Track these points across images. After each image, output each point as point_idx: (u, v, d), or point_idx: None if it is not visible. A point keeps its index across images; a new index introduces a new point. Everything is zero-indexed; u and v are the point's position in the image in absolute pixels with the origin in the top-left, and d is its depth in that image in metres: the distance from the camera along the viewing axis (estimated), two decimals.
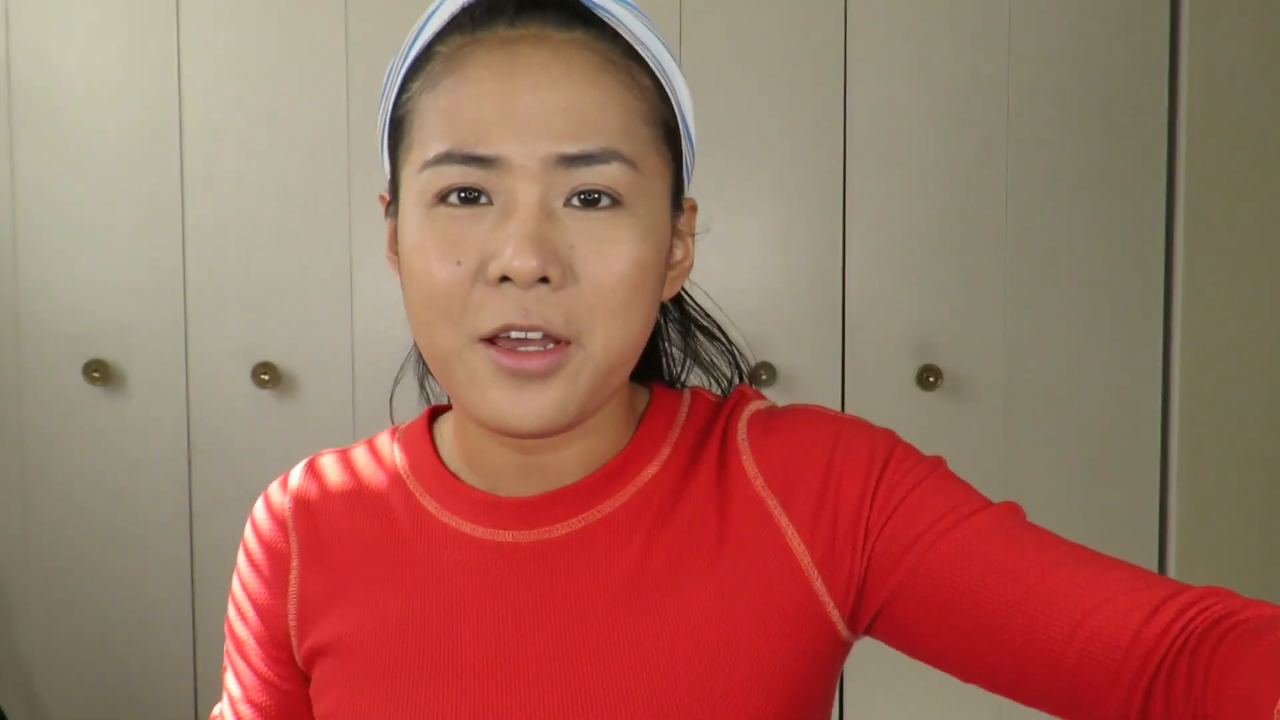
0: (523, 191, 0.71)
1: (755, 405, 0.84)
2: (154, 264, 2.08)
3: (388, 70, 0.80)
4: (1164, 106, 2.03)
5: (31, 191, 2.08)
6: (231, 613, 0.89)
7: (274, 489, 0.89)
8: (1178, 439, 2.03)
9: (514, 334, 0.71)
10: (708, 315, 0.92)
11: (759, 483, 0.80)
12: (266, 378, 2.06)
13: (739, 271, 2.02)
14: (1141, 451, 2.06)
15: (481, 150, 0.71)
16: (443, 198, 0.72)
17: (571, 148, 0.71)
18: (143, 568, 2.12)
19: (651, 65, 0.77)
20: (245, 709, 0.87)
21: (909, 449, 0.81)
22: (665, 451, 0.82)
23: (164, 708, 2.14)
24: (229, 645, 0.89)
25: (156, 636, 2.13)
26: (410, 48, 0.78)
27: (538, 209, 0.71)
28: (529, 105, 0.71)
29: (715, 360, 0.92)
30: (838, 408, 2.05)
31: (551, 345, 0.71)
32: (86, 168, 2.07)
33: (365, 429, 2.04)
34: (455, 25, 0.75)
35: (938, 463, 0.81)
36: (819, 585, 0.77)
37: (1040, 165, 2.04)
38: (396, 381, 0.96)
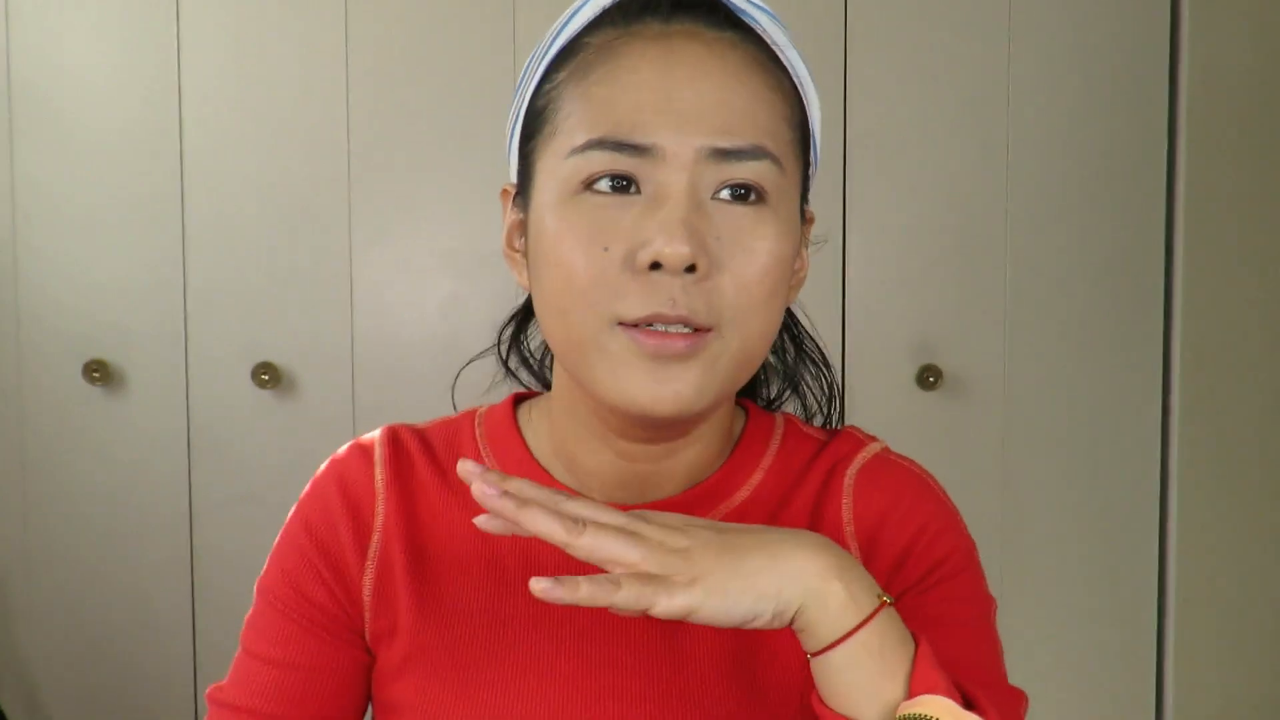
0: (674, 181, 0.71)
1: (872, 450, 0.84)
2: (154, 264, 2.08)
3: (526, 62, 0.80)
4: (1164, 106, 2.03)
5: (31, 191, 2.08)
6: (288, 565, 0.82)
7: (355, 453, 0.85)
8: (1178, 439, 2.03)
9: (658, 325, 0.71)
10: (811, 339, 0.92)
11: (849, 529, 0.80)
12: (266, 378, 2.06)
13: None
14: (1141, 451, 2.06)
15: (637, 139, 0.71)
16: (589, 184, 0.72)
17: (725, 142, 0.71)
18: (142, 568, 2.12)
19: (791, 74, 0.79)
20: (272, 673, 0.81)
21: (978, 574, 0.81)
22: (757, 477, 0.82)
23: (164, 708, 2.14)
24: (269, 607, 0.83)
25: (156, 636, 2.13)
26: (555, 39, 0.78)
27: (688, 198, 0.71)
28: (686, 97, 0.71)
29: (809, 385, 0.92)
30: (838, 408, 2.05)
31: (693, 330, 0.71)
32: (86, 168, 2.07)
33: (365, 429, 2.04)
34: (606, 19, 0.76)
35: (987, 608, 0.81)
36: None
37: (1040, 165, 2.04)
38: (498, 381, 0.93)
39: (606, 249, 0.71)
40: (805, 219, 0.82)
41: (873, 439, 0.85)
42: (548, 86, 0.76)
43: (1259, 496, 2.04)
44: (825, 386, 0.92)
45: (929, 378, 2.03)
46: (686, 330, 0.71)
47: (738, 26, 0.76)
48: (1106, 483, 2.06)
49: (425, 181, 2.06)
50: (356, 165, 2.06)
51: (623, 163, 0.71)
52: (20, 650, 2.14)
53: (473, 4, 2.04)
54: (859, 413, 2.05)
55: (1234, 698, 2.06)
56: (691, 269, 0.70)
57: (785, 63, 0.78)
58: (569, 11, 0.78)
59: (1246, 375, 2.03)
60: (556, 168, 0.73)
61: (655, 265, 0.70)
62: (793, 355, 0.92)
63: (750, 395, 0.90)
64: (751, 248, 0.72)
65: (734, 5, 0.77)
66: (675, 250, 0.69)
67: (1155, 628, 2.07)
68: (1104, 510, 2.06)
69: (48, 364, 2.09)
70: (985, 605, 0.80)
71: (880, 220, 2.05)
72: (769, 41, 0.78)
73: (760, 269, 0.72)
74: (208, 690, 0.84)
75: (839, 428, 0.87)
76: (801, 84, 0.79)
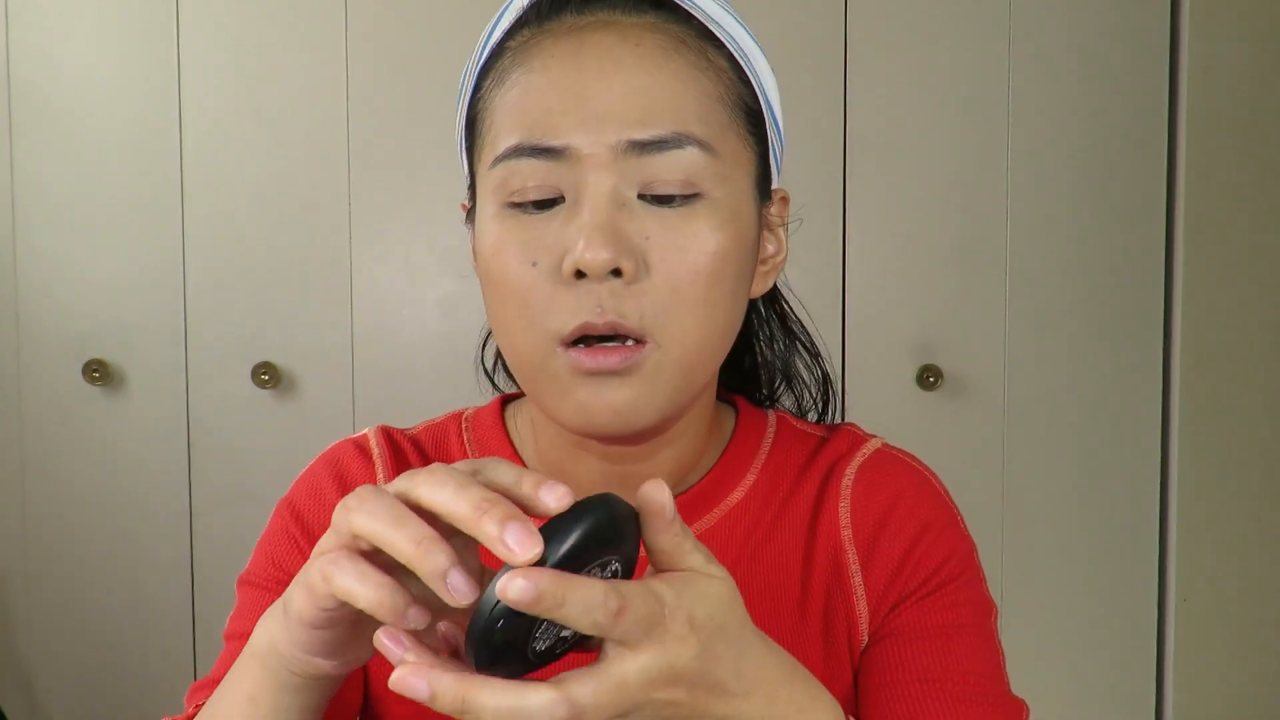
0: (593, 182, 0.68)
1: (871, 447, 0.81)
2: (154, 264, 2.08)
3: (463, 73, 0.79)
4: (1164, 106, 2.03)
5: (31, 191, 2.08)
6: (278, 554, 0.81)
7: (352, 451, 0.83)
8: (1178, 439, 2.03)
9: (592, 337, 0.68)
10: (803, 327, 0.90)
11: (847, 534, 0.78)
12: (266, 377, 2.06)
13: None
14: (1141, 451, 2.06)
15: (550, 141, 0.68)
16: (515, 200, 0.70)
17: (642, 133, 0.68)
18: (143, 567, 2.12)
19: (729, 46, 0.73)
20: None
21: (977, 577, 0.79)
22: (751, 477, 0.80)
23: (164, 707, 2.13)
24: (254, 589, 0.81)
25: (156, 636, 2.13)
26: (483, 48, 0.77)
27: (609, 199, 0.68)
28: (596, 91, 0.68)
29: (802, 377, 0.89)
30: (838, 407, 2.05)
31: (628, 343, 0.68)
32: (86, 167, 2.07)
33: (365, 429, 2.04)
34: (524, 20, 0.74)
35: (988, 614, 0.79)
36: (862, 650, 0.77)
37: (1040, 166, 2.04)
38: (492, 370, 0.91)
39: (535, 263, 0.69)
40: (773, 200, 0.78)
41: (871, 436, 0.83)
42: (477, 98, 0.75)
43: (1259, 496, 2.04)
44: (819, 379, 0.90)
45: (929, 378, 2.03)
46: (618, 343, 0.68)
47: (662, 7, 0.72)
48: (1106, 483, 2.06)
49: (425, 181, 2.06)
50: (356, 165, 2.06)
51: (542, 170, 0.68)
52: (20, 650, 2.14)
53: (473, 4, 2.03)
54: (859, 413, 2.04)
55: (1234, 698, 2.06)
56: (618, 273, 0.67)
57: (721, 37, 0.73)
58: (494, 18, 0.77)
59: (1246, 375, 2.03)
60: (486, 178, 0.72)
61: (580, 274, 0.67)
62: (783, 346, 0.89)
63: (746, 391, 0.88)
64: (683, 245, 0.68)
65: None
66: (595, 255, 0.66)
67: (1155, 628, 2.07)
68: (1104, 510, 2.06)
69: (48, 364, 2.09)
70: (985, 611, 0.78)
71: (880, 220, 2.05)
72: (700, 16, 0.72)
73: (692, 267, 0.68)
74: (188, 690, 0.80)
75: (837, 423, 0.85)
76: (745, 55, 0.74)
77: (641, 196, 0.69)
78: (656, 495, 0.54)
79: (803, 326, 0.90)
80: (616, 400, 0.68)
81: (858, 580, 0.77)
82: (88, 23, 2.07)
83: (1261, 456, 2.04)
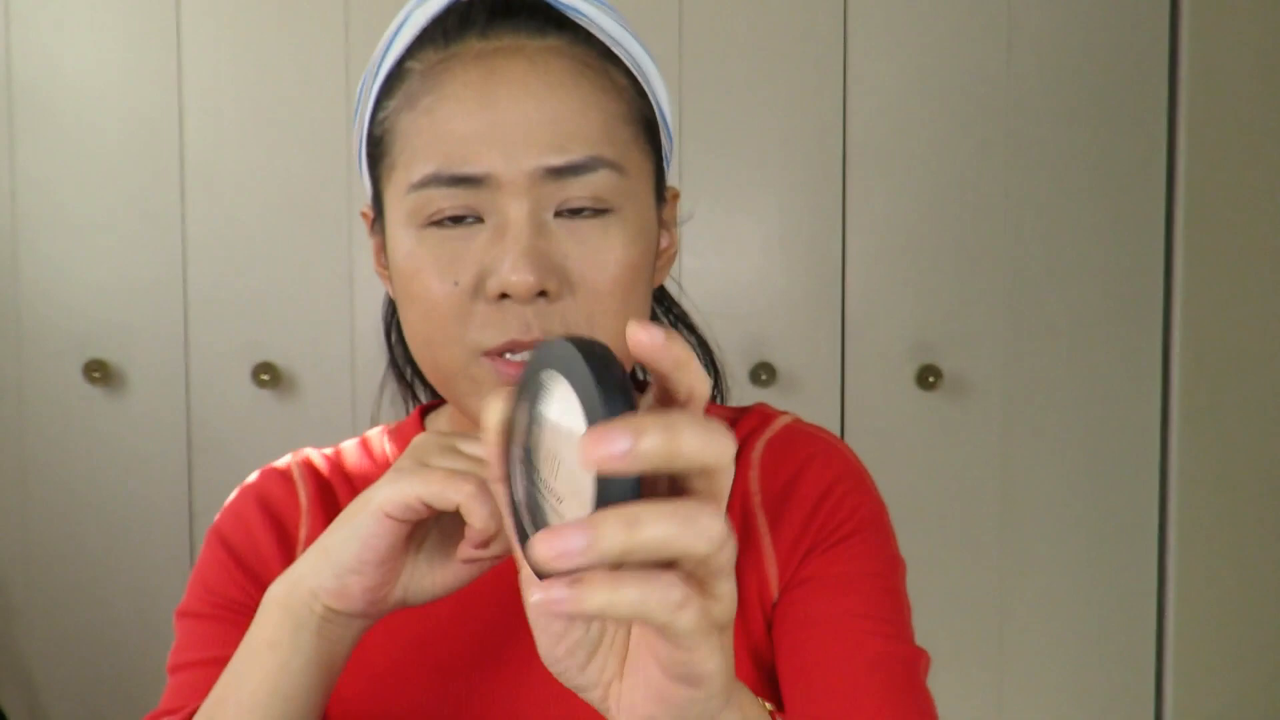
0: (514, 208, 0.71)
1: (782, 422, 0.84)
2: (154, 264, 2.08)
3: (359, 86, 0.80)
4: (1164, 106, 2.03)
5: (32, 191, 2.08)
6: (212, 582, 0.83)
7: (273, 477, 0.87)
8: (1178, 439, 2.03)
9: (518, 352, 0.71)
10: (688, 319, 0.93)
11: (756, 500, 0.80)
12: (266, 378, 2.06)
13: (739, 271, 2.02)
14: (1141, 451, 2.06)
15: (468, 169, 0.71)
16: (432, 220, 0.72)
17: (557, 159, 0.71)
18: (143, 567, 2.12)
19: (627, 63, 0.77)
20: (206, 672, 0.79)
21: (886, 533, 0.80)
22: None
23: None
24: (195, 619, 0.82)
25: (157, 636, 2.13)
26: (381, 62, 0.78)
27: (529, 223, 0.71)
28: (511, 119, 0.71)
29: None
30: (837, 407, 2.05)
31: None
32: (87, 168, 2.07)
33: (365, 428, 2.04)
34: (427, 39, 0.75)
35: (895, 567, 0.80)
36: (774, 605, 0.78)
37: (1040, 165, 2.04)
38: (383, 387, 0.96)
39: (456, 282, 0.71)
40: (667, 199, 0.82)
41: (783, 413, 0.86)
42: (381, 115, 0.77)
43: (1259, 496, 2.04)
44: (708, 366, 0.92)
45: (929, 378, 2.03)
46: None
47: (564, 27, 0.75)
48: (1106, 483, 2.06)
49: None
50: (357, 165, 2.06)
51: (460, 197, 0.71)
52: (20, 650, 2.14)
53: None
54: (858, 413, 2.04)
55: (1234, 698, 2.06)
56: (543, 293, 0.70)
57: (620, 55, 0.76)
58: (390, 32, 0.78)
59: (1246, 375, 2.03)
60: (400, 202, 0.74)
61: (505, 294, 0.70)
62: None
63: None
64: (600, 261, 0.72)
65: (558, 4, 0.75)
66: (521, 279, 0.69)
67: (1155, 628, 2.07)
68: (1104, 510, 2.06)
69: (48, 364, 2.10)
70: (893, 564, 0.80)
71: (880, 220, 2.05)
72: (600, 37, 0.76)
73: (612, 279, 0.72)
74: None
75: (748, 405, 0.88)
76: (641, 71, 0.78)
77: (557, 214, 0.72)
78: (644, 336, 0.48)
79: (684, 311, 0.94)
80: None
81: (766, 542, 0.78)
82: (88, 23, 2.07)
83: (1261, 456, 2.04)
